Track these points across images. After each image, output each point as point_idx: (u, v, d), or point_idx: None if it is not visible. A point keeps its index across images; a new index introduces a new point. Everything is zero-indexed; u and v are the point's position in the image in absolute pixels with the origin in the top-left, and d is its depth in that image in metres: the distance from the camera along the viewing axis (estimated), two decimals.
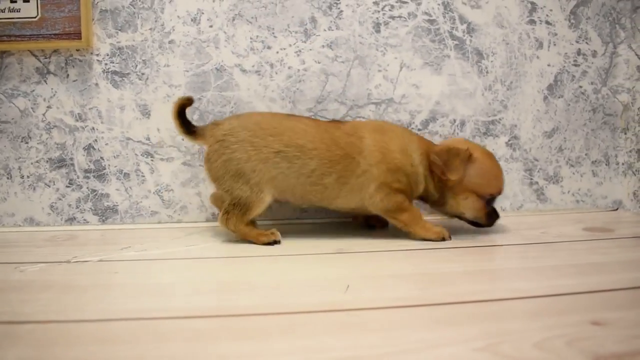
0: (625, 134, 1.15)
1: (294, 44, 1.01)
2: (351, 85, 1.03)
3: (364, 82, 1.04)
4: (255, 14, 1.00)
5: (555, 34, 1.10)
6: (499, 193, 0.86)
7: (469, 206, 0.84)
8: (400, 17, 1.04)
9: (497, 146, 1.09)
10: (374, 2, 1.04)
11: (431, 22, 1.05)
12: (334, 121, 0.92)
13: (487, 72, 1.08)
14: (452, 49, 1.06)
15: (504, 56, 1.08)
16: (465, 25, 1.06)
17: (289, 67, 1.01)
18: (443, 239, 0.83)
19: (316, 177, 0.81)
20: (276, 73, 1.01)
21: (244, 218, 0.81)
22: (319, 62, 1.02)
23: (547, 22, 1.09)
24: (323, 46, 1.02)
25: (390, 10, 1.04)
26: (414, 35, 1.05)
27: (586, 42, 1.11)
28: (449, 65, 1.06)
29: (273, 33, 1.01)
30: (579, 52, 1.11)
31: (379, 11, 1.03)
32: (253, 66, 1.01)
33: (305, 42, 1.02)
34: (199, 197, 1.00)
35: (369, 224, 0.95)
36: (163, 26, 0.98)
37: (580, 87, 1.12)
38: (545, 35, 1.09)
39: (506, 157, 1.09)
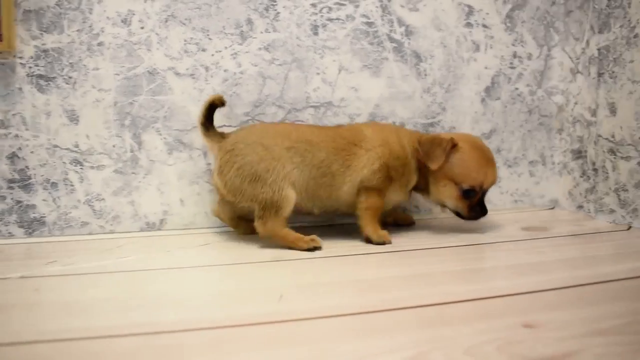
0: (560, 134, 1.21)
1: (230, 46, 1.02)
2: (289, 89, 1.05)
3: (303, 85, 1.06)
4: (189, 15, 1.01)
5: (492, 37, 1.15)
6: (480, 187, 0.88)
7: (447, 194, 0.89)
8: (338, 19, 1.06)
9: None
10: (311, 4, 1.05)
11: (369, 24, 1.08)
12: (332, 127, 0.97)
13: (425, 75, 1.11)
14: (391, 52, 1.09)
15: (442, 59, 1.12)
16: (403, 28, 1.10)
17: (224, 70, 1.02)
18: (383, 243, 0.87)
19: (325, 166, 0.86)
20: (211, 76, 1.02)
21: (279, 219, 0.82)
22: (255, 65, 1.03)
23: (484, 25, 1.14)
24: (260, 49, 1.04)
25: (328, 12, 1.06)
26: (353, 37, 1.07)
27: (522, 45, 1.17)
28: (387, 68, 1.09)
29: (208, 35, 1.01)
30: (515, 55, 1.16)
31: (316, 13, 1.05)
32: (187, 69, 1.01)
33: (241, 44, 1.03)
34: (132, 205, 1.00)
35: (396, 224, 1.02)
36: (91, 27, 0.97)
37: (517, 89, 1.17)
38: (482, 38, 1.14)
39: None
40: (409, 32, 1.10)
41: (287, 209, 0.82)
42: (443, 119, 1.13)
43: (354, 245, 0.85)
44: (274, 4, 1.04)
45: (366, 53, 1.08)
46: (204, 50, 1.02)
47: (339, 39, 1.07)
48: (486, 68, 1.14)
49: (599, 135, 1.07)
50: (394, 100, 1.10)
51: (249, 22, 1.03)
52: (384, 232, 0.87)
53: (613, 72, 1.03)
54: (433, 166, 0.86)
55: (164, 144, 1.00)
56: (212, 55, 1.02)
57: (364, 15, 1.08)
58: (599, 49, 1.08)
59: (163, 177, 1.00)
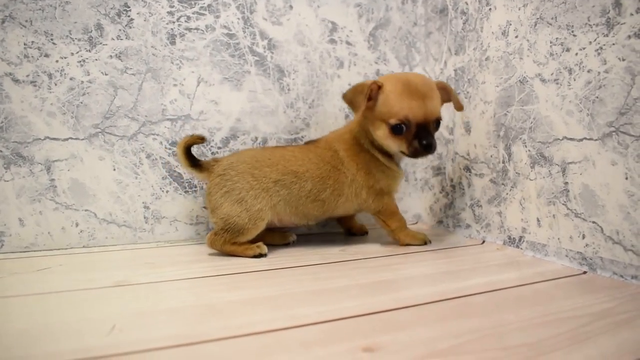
0: None
1: (77, 52, 1.10)
2: (144, 100, 1.14)
3: (158, 96, 1.15)
4: (30, 16, 1.07)
5: (356, 54, 1.33)
6: (407, 119, 0.96)
7: (382, 135, 1.00)
8: (197, 29, 1.18)
9: None
10: (168, 12, 1.15)
11: (230, 36, 1.20)
12: (308, 142, 1.16)
13: (289, 90, 1.26)
14: (253, 65, 1.23)
15: (305, 74, 1.28)
16: (266, 41, 1.24)
17: (70, 78, 1.09)
18: (425, 243, 1.10)
19: (314, 195, 1.04)
20: (55, 84, 1.09)
21: (231, 241, 1.01)
22: (106, 74, 1.11)
23: (348, 42, 1.32)
24: (111, 56, 1.12)
25: (186, 21, 1.17)
26: (212, 49, 1.19)
27: (384, 64, 1.36)
28: (249, 82, 1.23)
29: (52, 39, 1.08)
30: (378, 73, 1.36)
31: (174, 22, 1.16)
32: (27, 76, 1.07)
33: (90, 51, 1.10)
34: None
35: (350, 233, 1.26)
36: None
37: None
38: (345, 55, 1.31)
39: None
40: (271, 46, 1.24)
41: (248, 237, 1.01)
42: (307, 134, 1.29)
43: (208, 267, 0.92)
44: (127, 9, 1.13)
45: (227, 65, 1.21)
46: (46, 55, 1.08)
47: (198, 49, 1.18)
48: (350, 84, 1.32)
49: (456, 153, 1.29)
50: (256, 114, 1.23)
51: (99, 27, 1.11)
52: (422, 235, 1.12)
53: (468, 92, 1.25)
54: (356, 113, 0.98)
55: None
56: (57, 61, 1.09)
57: (224, 27, 1.20)
58: (455, 70, 1.30)
59: (0, 195, 1.05)
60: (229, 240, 1.00)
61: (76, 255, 1.06)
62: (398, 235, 1.10)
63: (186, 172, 1.16)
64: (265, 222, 1.02)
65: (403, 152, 1.01)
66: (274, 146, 1.21)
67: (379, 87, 0.99)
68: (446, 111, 1.32)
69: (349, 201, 1.08)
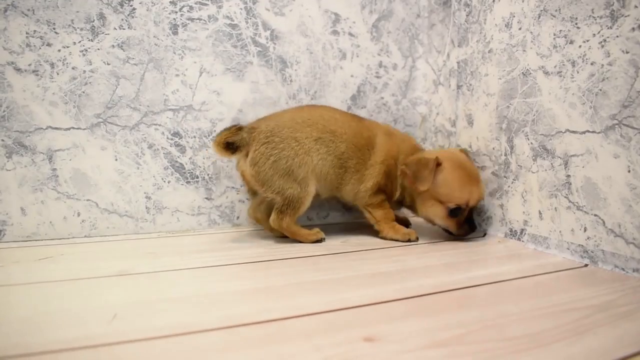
0: (424, 143, 1.42)
1: (79, 42, 1.09)
2: (145, 90, 1.14)
3: (160, 86, 1.15)
4: (32, 5, 1.07)
5: (358, 46, 1.32)
6: (466, 204, 1.01)
7: (435, 213, 1.03)
8: (200, 19, 1.17)
9: None
10: (170, 2, 1.15)
11: (233, 26, 1.20)
12: (353, 114, 1.16)
13: (291, 81, 1.26)
14: (255, 56, 1.22)
15: (308, 65, 1.27)
16: (268, 32, 1.23)
17: (73, 68, 1.09)
18: (409, 240, 1.07)
19: (344, 159, 1.07)
20: (57, 74, 1.08)
21: (295, 217, 1.05)
22: (108, 64, 1.11)
23: (350, 34, 1.31)
24: (113, 46, 1.12)
25: (189, 11, 1.16)
26: (215, 39, 1.19)
27: (387, 55, 1.35)
28: (251, 72, 1.22)
29: (54, 28, 1.07)
30: (380, 65, 1.35)
31: (176, 12, 1.15)
32: (30, 65, 1.07)
33: (92, 40, 1.10)
34: None
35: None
36: None
37: (382, 98, 1.36)
38: (348, 46, 1.31)
39: None
40: (274, 37, 1.24)
41: (306, 206, 1.05)
42: None
43: (210, 257, 0.92)
44: None
45: (229, 56, 1.20)
46: (49, 45, 1.08)
47: (201, 40, 1.18)
48: (352, 76, 1.32)
49: (458, 146, 1.28)
50: (258, 105, 1.23)
51: (101, 16, 1.11)
52: (407, 230, 1.10)
53: (470, 84, 1.25)
54: (422, 188, 0.99)
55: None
56: (59, 50, 1.09)
57: (227, 17, 1.19)
58: (458, 62, 1.29)
59: (1, 184, 1.05)
60: (293, 216, 1.04)
61: (78, 245, 1.07)
62: (382, 226, 1.10)
63: (226, 158, 1.18)
64: (313, 187, 1.05)
65: (449, 230, 1.05)
66: (309, 105, 1.24)
67: (439, 165, 1.01)
68: (448, 103, 1.32)
69: (358, 182, 1.09)
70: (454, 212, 1.01)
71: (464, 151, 1.10)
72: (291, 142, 1.03)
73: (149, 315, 0.62)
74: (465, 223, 1.02)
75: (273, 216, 1.05)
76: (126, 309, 0.64)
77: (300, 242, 1.06)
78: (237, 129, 1.03)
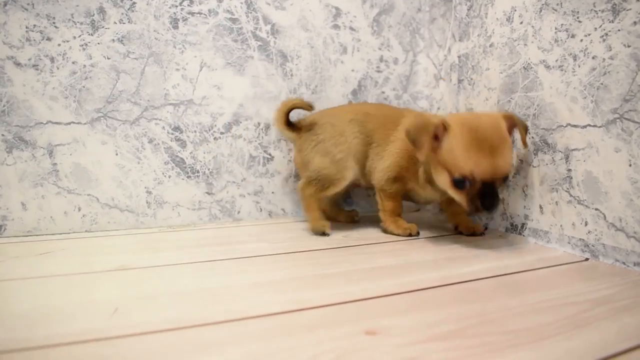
0: None
1: (79, 36, 1.09)
2: (146, 84, 1.14)
3: (161, 81, 1.15)
4: (32, 0, 1.05)
5: (359, 40, 1.32)
6: (472, 176, 0.85)
7: (442, 182, 0.91)
8: (200, 13, 1.17)
9: None
10: None
11: (233, 20, 1.19)
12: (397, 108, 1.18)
13: (291, 75, 1.26)
14: (256, 50, 1.22)
15: (308, 59, 1.27)
16: (269, 26, 1.23)
17: (73, 62, 1.09)
18: (410, 235, 1.05)
19: (370, 136, 1.09)
20: (58, 68, 1.08)
21: (321, 193, 1.10)
22: (108, 58, 1.11)
23: (351, 28, 1.31)
24: (113, 40, 1.12)
25: (189, 5, 1.16)
26: (215, 33, 1.18)
27: (388, 50, 1.35)
28: (252, 67, 1.22)
29: (54, 23, 1.07)
30: (381, 59, 1.35)
31: (176, 6, 1.15)
32: (30, 59, 1.07)
33: (92, 34, 1.10)
34: None
35: (458, 231, 1.12)
36: None
37: (383, 92, 1.36)
38: (349, 40, 1.31)
39: None
40: (274, 31, 1.23)
41: (337, 189, 1.10)
42: None
43: (210, 252, 0.92)
44: None
45: (230, 50, 1.20)
46: (49, 39, 1.08)
47: (201, 34, 1.18)
48: (353, 71, 1.31)
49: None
50: (258, 100, 1.23)
51: (101, 10, 1.11)
52: (408, 225, 1.06)
53: (471, 79, 1.25)
54: (419, 155, 0.89)
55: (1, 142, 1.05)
56: (59, 45, 1.09)
57: (227, 11, 1.19)
58: (459, 57, 1.29)
59: (1, 179, 1.05)
60: (318, 191, 1.09)
61: (78, 240, 1.07)
62: (386, 217, 1.10)
63: (278, 130, 1.21)
64: (350, 171, 1.10)
65: (461, 203, 0.90)
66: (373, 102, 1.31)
67: (445, 129, 0.88)
68: (449, 97, 1.32)
69: (375, 158, 1.09)
70: (458, 183, 0.87)
71: (510, 118, 0.92)
72: (328, 127, 1.11)
73: (150, 310, 0.62)
74: (478, 198, 0.85)
75: (301, 181, 1.13)
76: (127, 303, 0.64)
77: (307, 223, 1.11)
78: (309, 105, 1.13)
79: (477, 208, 0.86)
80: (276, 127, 1.18)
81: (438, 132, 0.89)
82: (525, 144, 0.94)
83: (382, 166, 1.07)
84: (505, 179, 0.87)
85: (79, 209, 1.11)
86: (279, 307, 0.63)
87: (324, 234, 1.07)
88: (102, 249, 0.98)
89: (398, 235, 1.07)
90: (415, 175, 1.04)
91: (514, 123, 0.92)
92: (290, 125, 1.14)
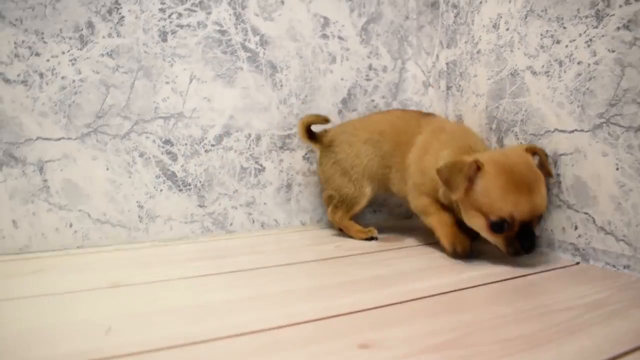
0: None
1: (68, 51, 1.09)
2: (136, 98, 1.14)
3: (151, 94, 1.15)
4: (20, 15, 1.06)
5: (348, 49, 1.33)
6: (511, 218, 0.80)
7: (477, 226, 0.85)
8: (189, 26, 1.17)
9: (295, 160, 1.29)
10: (159, 9, 1.15)
11: (222, 32, 1.20)
12: (422, 112, 1.14)
13: (281, 86, 1.26)
14: (245, 62, 1.23)
15: (298, 70, 1.28)
16: (258, 37, 1.23)
17: (62, 78, 1.09)
18: (454, 250, 0.93)
19: (387, 159, 1.08)
20: (47, 84, 1.08)
21: (349, 213, 1.15)
22: (97, 73, 1.11)
23: (340, 37, 1.32)
24: (102, 55, 1.12)
25: (178, 18, 1.16)
26: (205, 45, 1.19)
27: (377, 58, 1.36)
28: (242, 78, 1.23)
29: (42, 38, 1.07)
30: (370, 67, 1.36)
31: (165, 19, 1.15)
32: (19, 75, 1.07)
33: (81, 49, 1.10)
34: None
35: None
36: None
37: (373, 100, 1.37)
38: (338, 50, 1.31)
39: (304, 171, 1.30)
40: (264, 42, 1.24)
41: (361, 205, 1.14)
42: None
43: (203, 266, 0.93)
44: (118, 7, 1.13)
45: (219, 62, 1.20)
46: (37, 54, 1.08)
47: (190, 46, 1.18)
48: (342, 80, 1.32)
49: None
50: (249, 111, 1.23)
51: (90, 25, 1.11)
52: (456, 239, 0.94)
53: (460, 85, 1.26)
54: (454, 196, 0.84)
55: None
56: (48, 60, 1.09)
57: (216, 23, 1.20)
58: (447, 63, 1.30)
59: None
60: (347, 212, 1.14)
61: (71, 257, 1.06)
62: (436, 232, 0.99)
63: (304, 142, 1.27)
64: (368, 188, 1.13)
65: (498, 245, 0.86)
66: (385, 110, 1.30)
67: (479, 169, 0.82)
68: (438, 104, 1.32)
69: (401, 183, 1.06)
70: (496, 226, 0.82)
71: (533, 150, 0.89)
72: (345, 146, 1.14)
73: (144, 328, 0.62)
74: (517, 240, 0.82)
75: (329, 210, 1.17)
76: (121, 321, 0.64)
77: (352, 237, 1.14)
78: (325, 119, 1.19)
79: (516, 251, 0.83)
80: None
81: (471, 173, 0.82)
82: (550, 174, 0.90)
83: (408, 188, 1.04)
84: (541, 217, 0.84)
85: (71, 225, 1.11)
86: (272, 322, 0.63)
87: (372, 238, 1.12)
88: (94, 266, 0.97)
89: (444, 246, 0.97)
90: (437, 192, 0.98)
91: (535, 153, 0.89)
92: (312, 137, 1.20)
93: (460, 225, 0.94)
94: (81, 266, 0.98)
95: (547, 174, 0.89)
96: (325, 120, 1.18)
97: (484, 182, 0.82)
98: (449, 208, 0.96)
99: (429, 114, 1.13)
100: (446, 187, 0.85)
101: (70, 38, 1.11)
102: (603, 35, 0.84)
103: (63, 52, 1.10)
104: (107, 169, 1.14)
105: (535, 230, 0.83)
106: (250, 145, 1.26)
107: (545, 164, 0.88)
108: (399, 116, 1.13)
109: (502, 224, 0.81)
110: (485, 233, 0.85)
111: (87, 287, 0.80)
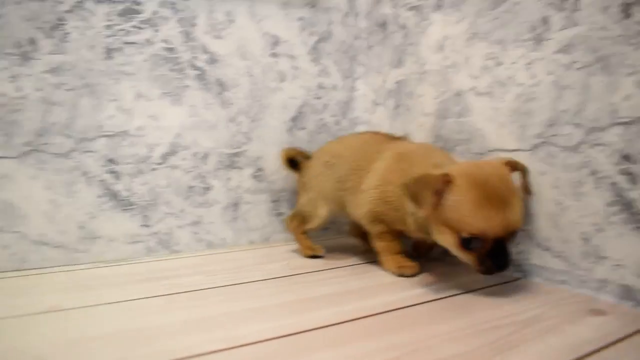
0: None
1: (8, 67, 1.06)
2: (79, 117, 1.12)
3: (95, 112, 1.13)
4: None
5: (298, 68, 1.33)
6: (483, 234, 0.75)
7: (447, 243, 0.80)
8: (136, 43, 1.16)
9: (243, 178, 1.28)
10: (105, 26, 1.13)
11: (170, 50, 1.19)
12: (395, 136, 1.12)
13: (230, 104, 1.26)
14: (194, 79, 1.21)
15: (247, 88, 1.27)
16: (207, 56, 1.23)
17: (1, 95, 1.05)
18: (401, 275, 0.94)
19: (342, 182, 1.07)
20: None
21: (302, 227, 1.17)
22: (39, 90, 1.08)
23: (290, 56, 1.32)
24: (45, 72, 1.09)
25: (124, 35, 1.15)
26: (152, 63, 1.17)
27: (327, 77, 1.37)
28: (190, 96, 1.22)
29: None
30: (320, 86, 1.37)
31: (111, 36, 1.13)
32: None
33: (22, 66, 1.07)
34: None
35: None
36: None
37: (322, 119, 1.37)
38: (288, 68, 1.32)
39: (252, 190, 1.29)
40: (213, 60, 1.23)
41: (313, 225, 1.15)
42: (249, 148, 1.29)
43: (143, 288, 0.90)
44: (62, 23, 1.11)
45: (167, 80, 1.19)
46: None
47: (137, 64, 1.16)
48: (292, 98, 1.32)
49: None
50: (196, 129, 1.22)
51: (32, 42, 1.08)
52: (404, 264, 0.97)
53: (407, 105, 1.27)
54: (421, 212, 0.77)
55: None
56: None
57: (164, 41, 1.18)
58: (396, 83, 1.32)
59: None
60: (299, 224, 1.17)
61: (7, 280, 1.02)
62: (381, 257, 1.03)
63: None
64: (323, 209, 1.13)
65: (468, 263, 0.81)
66: (361, 132, 1.26)
67: (448, 182, 0.77)
68: (387, 123, 1.34)
69: (356, 207, 1.03)
70: (468, 243, 0.77)
71: (513, 165, 0.84)
72: (311, 168, 1.18)
73: (80, 357, 0.60)
74: (489, 258, 0.77)
75: (289, 216, 1.21)
76: (55, 349, 0.62)
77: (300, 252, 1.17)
78: (305, 156, 1.25)
79: (488, 269, 0.78)
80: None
81: (440, 187, 0.76)
82: (528, 190, 0.86)
83: (361, 213, 1.01)
84: (515, 233, 0.79)
85: (7, 247, 1.07)
86: (212, 346, 0.62)
87: (314, 256, 1.14)
88: (31, 289, 0.94)
89: (392, 272, 0.98)
90: (400, 220, 0.94)
91: (515, 169, 0.84)
92: (296, 167, 1.26)
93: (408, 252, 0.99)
94: (17, 290, 0.94)
95: (527, 191, 0.85)
96: (306, 157, 1.24)
97: (454, 197, 0.76)
98: (421, 229, 0.89)
99: (397, 138, 1.08)
100: (413, 203, 0.78)
101: (11, 55, 1.08)
102: (542, 58, 0.87)
103: (4, 69, 1.07)
104: (48, 189, 1.10)
105: (509, 247, 0.79)
106: (197, 163, 1.25)
107: (525, 180, 0.85)
108: (366, 140, 1.08)
109: (474, 241, 0.76)
110: (455, 250, 0.79)
111: (21, 313, 0.77)
